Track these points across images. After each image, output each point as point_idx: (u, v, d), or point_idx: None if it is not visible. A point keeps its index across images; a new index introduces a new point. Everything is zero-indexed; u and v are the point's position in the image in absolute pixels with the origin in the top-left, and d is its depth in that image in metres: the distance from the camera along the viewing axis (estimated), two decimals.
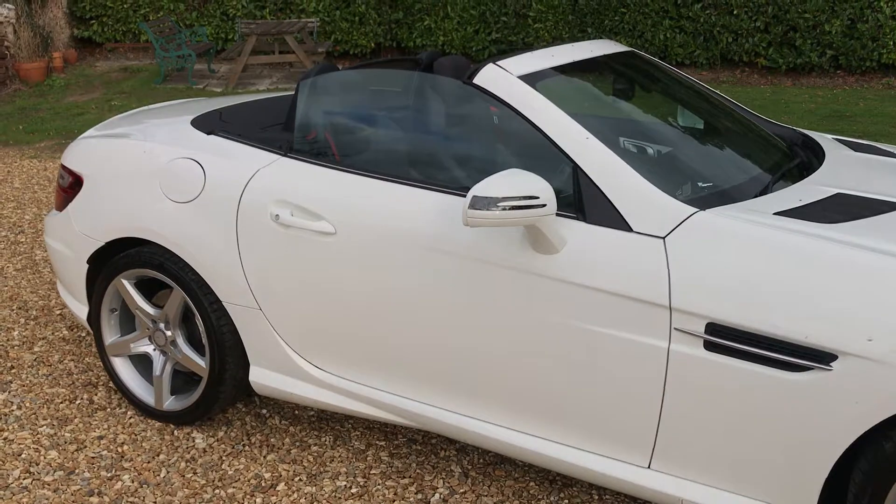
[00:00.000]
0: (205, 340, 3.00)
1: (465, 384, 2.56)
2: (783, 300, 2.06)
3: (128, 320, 3.32)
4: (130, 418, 3.26)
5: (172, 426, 3.20)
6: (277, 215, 2.74)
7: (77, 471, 2.93)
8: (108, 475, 2.90)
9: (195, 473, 2.91)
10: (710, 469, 2.25)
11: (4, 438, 3.13)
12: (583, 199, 2.36)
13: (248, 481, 2.86)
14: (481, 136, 2.70)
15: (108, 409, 3.33)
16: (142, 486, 2.84)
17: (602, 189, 2.34)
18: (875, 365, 1.95)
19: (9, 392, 3.45)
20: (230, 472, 2.91)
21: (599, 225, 2.32)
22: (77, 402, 3.38)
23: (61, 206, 3.36)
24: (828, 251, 2.09)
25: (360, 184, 2.68)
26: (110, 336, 3.29)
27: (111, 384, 3.52)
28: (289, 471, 2.91)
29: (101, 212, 3.13)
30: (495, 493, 2.78)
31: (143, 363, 3.32)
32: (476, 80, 2.61)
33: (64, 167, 3.36)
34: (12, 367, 3.66)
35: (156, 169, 3.02)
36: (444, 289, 2.50)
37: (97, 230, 3.14)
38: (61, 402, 3.38)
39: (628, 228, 2.28)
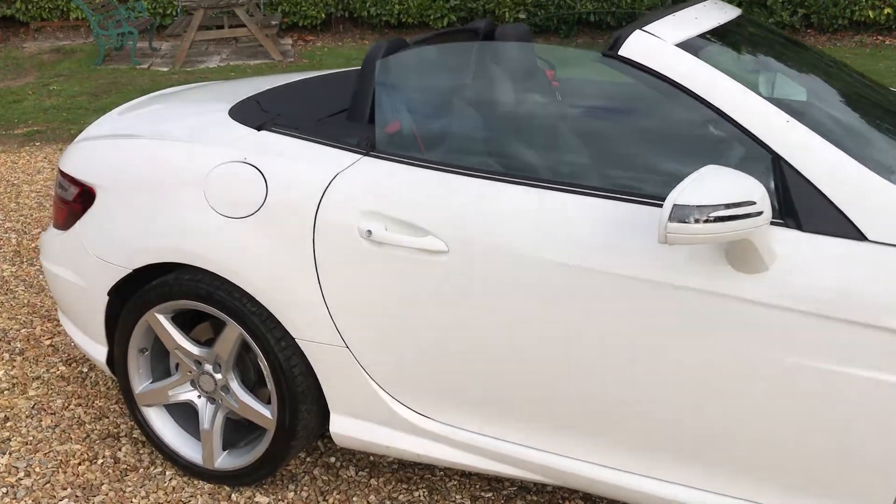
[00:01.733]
0: (270, 385, 2.43)
1: (633, 435, 2.06)
2: None
3: (160, 361, 2.72)
4: (171, 480, 2.67)
5: (228, 488, 2.62)
6: (369, 231, 2.18)
7: None
8: None
9: None
10: None
11: None
12: (793, 202, 1.86)
13: None
14: (631, 122, 2.18)
15: (141, 470, 2.73)
16: None
17: (819, 187, 1.85)
18: None
19: (9, 454, 2.82)
20: None
21: (820, 233, 1.83)
22: (99, 461, 2.77)
23: (65, 223, 2.72)
24: None
25: (477, 188, 2.13)
26: (141, 382, 2.68)
27: (136, 434, 2.91)
28: None
29: (126, 232, 2.52)
30: None
31: (183, 411, 2.73)
32: (623, 52, 2.07)
33: (67, 176, 2.72)
34: (7, 419, 3.01)
35: (198, 177, 2.41)
36: (605, 319, 1.98)
37: (121, 255, 2.52)
38: (79, 464, 2.77)
39: (861, 237, 1.80)
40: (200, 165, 2.42)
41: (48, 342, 3.57)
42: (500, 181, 2.13)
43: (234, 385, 2.53)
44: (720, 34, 2.31)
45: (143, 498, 2.60)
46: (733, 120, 1.93)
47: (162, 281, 2.50)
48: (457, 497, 2.56)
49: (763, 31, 2.57)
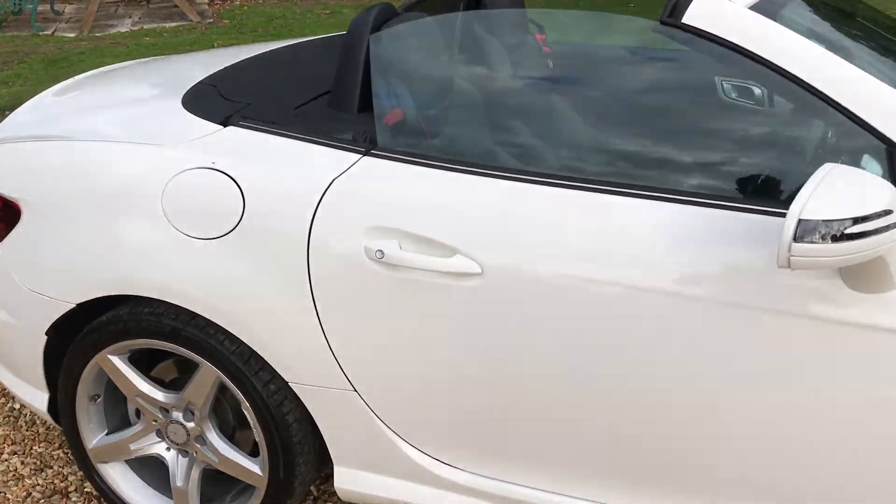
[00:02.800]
0: (258, 437, 2.01)
1: (712, 480, 1.72)
2: None
3: (116, 407, 2.26)
4: None
5: None
6: (380, 252, 1.75)
7: None
8: None
9: None
10: None
11: None
12: None
13: None
14: (700, 104, 1.79)
15: None
16: None
17: None
18: None
19: None
20: None
21: None
22: None
23: None
24: None
25: (515, 194, 1.73)
26: (94, 435, 2.22)
27: (88, 488, 2.45)
28: None
29: (65, 258, 2.04)
30: None
31: (148, 463, 2.28)
32: (687, 20, 1.68)
33: None
34: None
35: (154, 189, 1.93)
36: (686, 350, 1.62)
37: (61, 286, 2.05)
38: None
39: None
40: (155, 174, 1.94)
41: None
42: (542, 184, 1.72)
43: (212, 436, 2.10)
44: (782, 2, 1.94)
45: None
46: (838, 104, 1.56)
47: (114, 316, 2.03)
48: None
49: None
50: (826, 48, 1.62)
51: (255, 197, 1.86)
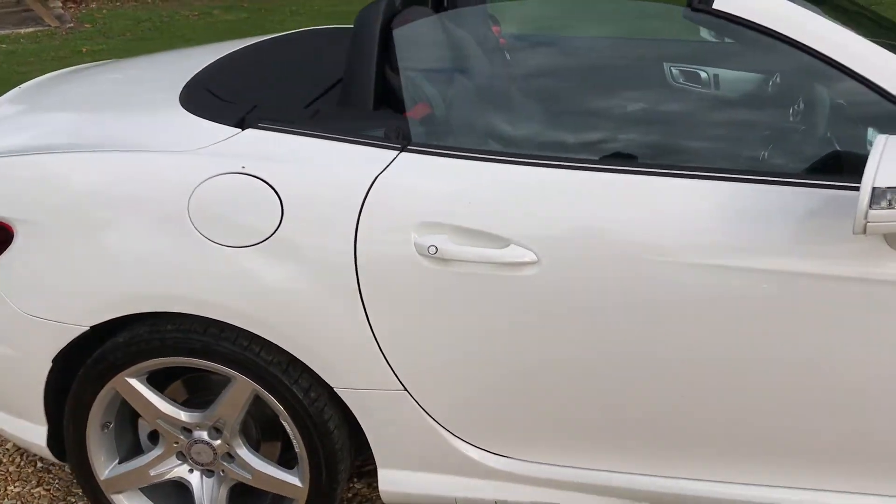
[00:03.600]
0: (299, 448, 1.95)
1: (759, 446, 1.81)
2: None
3: (126, 433, 2.13)
4: None
5: None
6: (434, 247, 1.74)
7: None
8: None
9: None
10: None
11: None
12: None
13: None
14: (739, 88, 1.87)
15: None
16: None
17: None
18: None
19: None
20: None
21: None
22: None
23: None
24: None
25: (563, 179, 1.76)
26: (107, 465, 2.08)
27: None
28: None
29: (74, 279, 1.90)
30: None
31: (161, 488, 2.16)
32: (718, 5, 1.75)
33: None
34: None
35: (179, 197, 1.83)
36: (740, 320, 1.70)
37: (71, 310, 1.91)
38: None
39: None
40: (179, 184, 1.84)
41: None
42: (586, 169, 1.76)
43: (243, 451, 2.01)
44: None
45: None
46: (867, 80, 1.67)
47: (132, 336, 1.92)
48: None
49: None
50: (847, 29, 1.74)
51: (294, 200, 1.80)
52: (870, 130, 1.83)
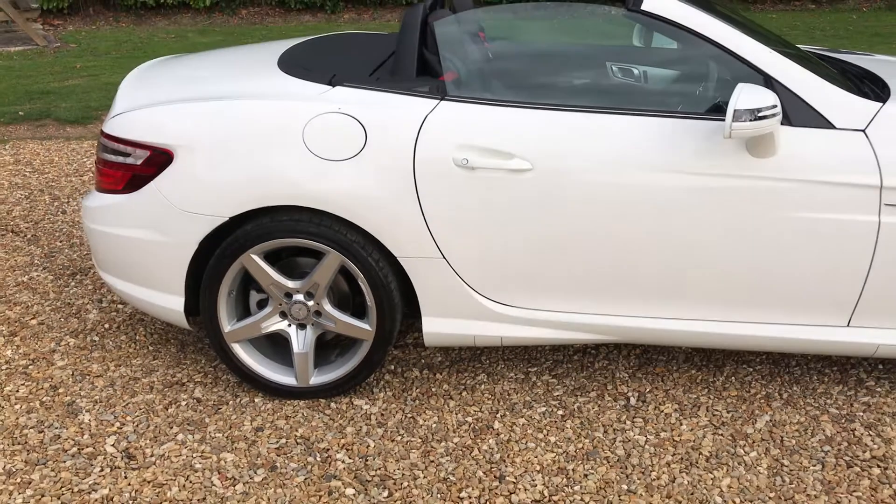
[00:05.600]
0: (370, 301, 2.88)
1: (680, 291, 2.81)
2: None
3: (240, 303, 3.03)
4: (265, 404, 3.01)
5: (323, 400, 3.02)
6: (466, 159, 2.72)
7: (278, 464, 2.70)
8: (319, 459, 2.72)
9: (404, 435, 2.83)
10: None
11: (161, 457, 2.74)
12: (785, 107, 2.70)
13: (459, 429, 2.86)
14: (650, 59, 2.90)
15: (231, 402, 3.03)
16: (370, 460, 2.71)
17: (801, 96, 2.70)
18: None
19: (87, 412, 2.97)
20: (433, 426, 2.88)
21: (806, 126, 2.69)
22: (182, 404, 3.03)
23: (129, 186, 2.92)
24: None
25: (549, 118, 2.75)
26: (229, 322, 2.98)
27: (198, 377, 3.17)
28: (484, 410, 2.95)
29: (218, 184, 2.80)
30: (671, 386, 3.09)
31: (259, 345, 3.07)
32: (645, 7, 2.79)
33: (130, 142, 2.90)
34: (54, 387, 3.12)
35: (295, 129, 2.77)
36: (661, 204, 2.71)
37: (216, 205, 2.81)
38: (165, 409, 3.00)
39: (831, 126, 2.68)
40: (295, 118, 2.78)
41: (33, 321, 3.61)
42: (567, 111, 2.76)
43: (329, 308, 2.94)
44: None
45: (250, 421, 2.92)
46: (736, 54, 2.72)
47: (257, 224, 2.83)
48: (510, 374, 3.18)
49: None
50: (724, 22, 2.78)
51: (373, 129, 2.75)
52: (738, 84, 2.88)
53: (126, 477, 2.64)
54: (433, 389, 3.10)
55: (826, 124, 2.69)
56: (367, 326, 2.93)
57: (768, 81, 2.72)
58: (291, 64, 3.12)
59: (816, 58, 3.30)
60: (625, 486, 2.56)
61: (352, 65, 3.21)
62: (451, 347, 3.36)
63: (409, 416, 2.94)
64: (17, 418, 2.93)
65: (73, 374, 3.21)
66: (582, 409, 2.95)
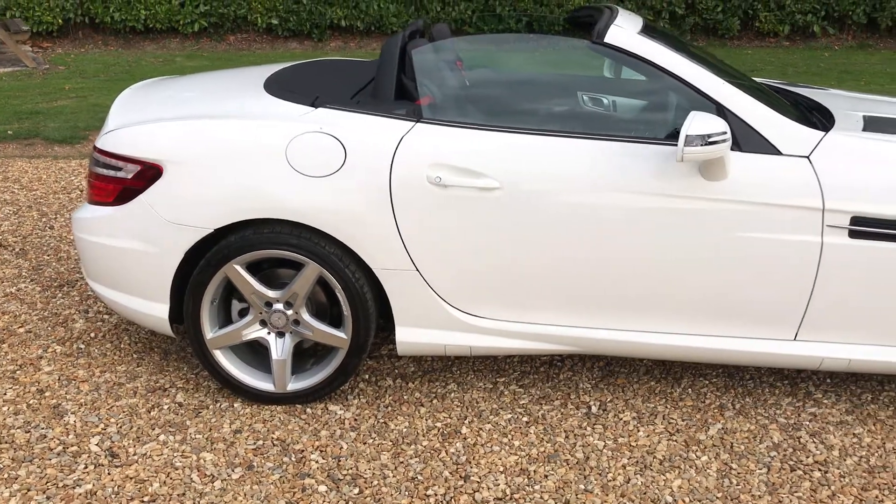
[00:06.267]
0: (346, 311, 3.04)
1: (638, 304, 2.99)
2: None
3: (222, 311, 3.18)
4: (244, 408, 3.15)
5: (299, 406, 3.17)
6: (439, 177, 2.90)
7: (255, 463, 2.84)
8: (294, 459, 2.86)
9: (375, 438, 2.98)
10: (848, 329, 2.97)
11: (143, 455, 2.87)
12: (736, 134, 2.90)
13: (429, 433, 3.01)
14: (613, 89, 3.10)
15: (211, 407, 3.17)
16: (343, 461, 2.85)
17: (751, 124, 2.90)
18: None
19: (72, 413, 3.10)
20: (404, 430, 3.03)
21: (755, 153, 2.89)
22: (164, 408, 3.16)
23: (119, 199, 3.08)
24: None
25: (517, 140, 2.94)
26: (212, 329, 3.13)
27: (181, 384, 3.31)
28: (453, 416, 3.11)
29: (204, 198, 2.97)
30: (631, 396, 3.26)
31: (240, 352, 3.21)
32: (608, 40, 2.99)
33: (121, 157, 3.07)
34: (41, 391, 3.25)
35: (279, 146, 2.94)
36: (621, 223, 2.89)
37: (201, 218, 2.97)
38: (148, 412, 3.13)
39: (778, 153, 2.89)
40: (279, 137, 2.95)
41: (21, 329, 3.74)
42: (535, 135, 2.94)
43: (307, 317, 3.09)
44: (648, 30, 3.32)
45: (230, 424, 3.06)
46: (689, 83, 2.93)
47: (240, 236, 2.99)
48: (479, 384, 3.34)
49: (663, 30, 3.62)
50: (681, 55, 2.99)
51: (353, 148, 2.93)
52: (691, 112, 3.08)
53: (109, 473, 2.77)
54: (405, 397, 3.25)
55: (774, 151, 2.89)
56: (343, 335, 3.09)
57: (720, 110, 2.92)
58: (277, 86, 3.30)
59: (771, 90, 3.52)
60: (582, 486, 2.72)
61: (334, 88, 3.40)
62: (423, 358, 3.52)
63: (381, 421, 3.09)
64: (4, 419, 3.06)
65: (59, 379, 3.34)
66: (546, 417, 3.11)
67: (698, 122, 2.71)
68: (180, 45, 12.19)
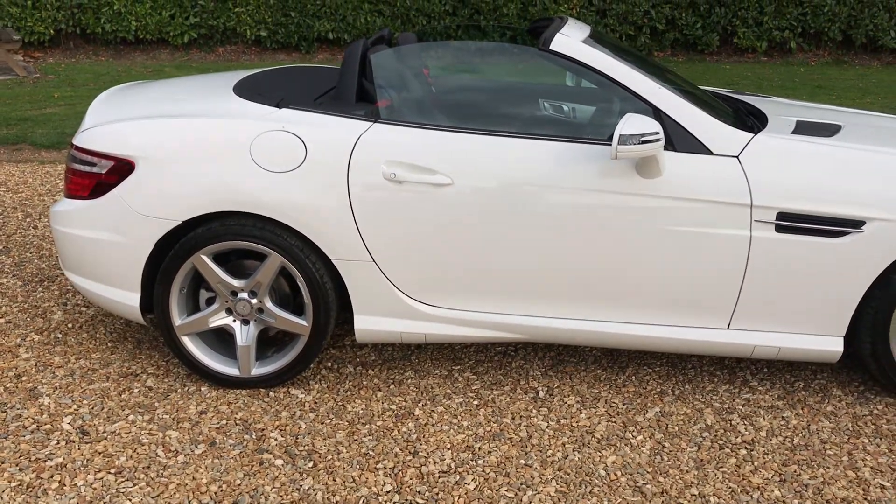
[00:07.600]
0: (307, 299, 3.22)
1: (579, 294, 3.19)
2: (829, 189, 3.03)
3: (190, 299, 3.37)
4: (210, 391, 3.33)
5: (263, 390, 3.35)
6: (394, 174, 3.10)
7: (218, 440, 3.01)
8: (255, 437, 3.04)
9: (333, 419, 3.16)
10: (777, 318, 3.17)
11: (112, 433, 3.05)
12: (669, 134, 3.11)
13: (384, 415, 3.19)
14: (560, 93, 3.31)
15: (179, 390, 3.35)
16: (301, 438, 3.03)
17: (684, 126, 3.11)
18: (891, 224, 3.01)
19: (47, 396, 3.27)
20: (360, 412, 3.21)
21: (688, 152, 3.10)
22: (135, 391, 3.34)
23: (94, 193, 3.27)
24: (849, 153, 3.11)
25: (469, 140, 3.14)
26: (180, 316, 3.31)
27: (152, 370, 3.49)
28: (408, 399, 3.29)
29: (175, 191, 3.16)
30: (577, 382, 3.45)
31: (206, 339, 3.40)
32: (553, 47, 3.20)
33: (96, 153, 3.26)
34: (18, 376, 3.42)
35: (244, 143, 3.14)
36: (564, 217, 3.09)
37: (170, 210, 3.16)
38: (119, 395, 3.31)
39: (710, 153, 3.09)
40: (244, 135, 3.15)
41: (1, 320, 3.91)
42: (484, 135, 3.15)
43: (270, 305, 3.28)
44: (594, 38, 3.53)
45: (196, 405, 3.24)
46: (628, 88, 3.14)
47: (208, 228, 3.18)
48: (435, 371, 3.52)
49: (609, 39, 3.85)
50: (621, 62, 3.20)
51: (313, 146, 3.13)
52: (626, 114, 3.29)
53: (80, 448, 2.95)
54: (364, 382, 3.43)
55: (705, 150, 3.10)
56: (304, 322, 3.27)
57: (656, 113, 3.13)
58: (245, 89, 3.50)
59: (715, 97, 3.74)
60: (523, 461, 2.91)
61: (300, 91, 3.60)
62: (383, 347, 3.70)
63: (339, 403, 3.27)
64: None
65: (36, 365, 3.51)
66: (495, 400, 3.30)
67: (632, 123, 2.92)
68: (170, 56, 12.40)
